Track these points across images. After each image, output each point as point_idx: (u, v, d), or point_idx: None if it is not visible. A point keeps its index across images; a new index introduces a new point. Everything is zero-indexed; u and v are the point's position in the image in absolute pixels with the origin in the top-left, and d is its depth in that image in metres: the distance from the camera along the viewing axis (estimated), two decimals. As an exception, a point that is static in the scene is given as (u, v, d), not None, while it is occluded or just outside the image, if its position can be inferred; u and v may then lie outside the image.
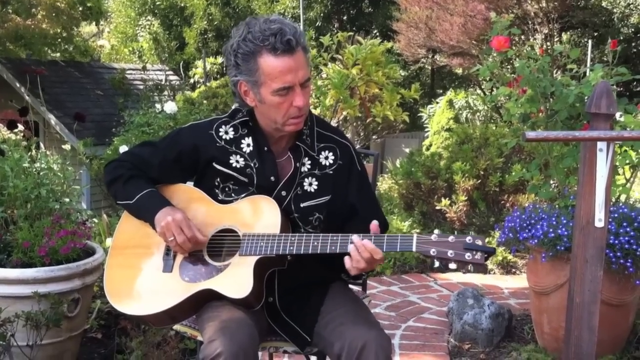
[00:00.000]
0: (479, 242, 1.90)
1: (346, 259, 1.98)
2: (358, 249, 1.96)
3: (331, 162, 2.23)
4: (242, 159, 2.21)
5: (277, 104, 2.07)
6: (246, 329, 1.97)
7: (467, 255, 1.89)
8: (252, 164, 2.20)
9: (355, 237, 1.97)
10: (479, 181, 5.70)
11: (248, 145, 2.21)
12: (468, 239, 1.90)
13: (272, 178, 2.18)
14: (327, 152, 2.23)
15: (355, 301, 2.24)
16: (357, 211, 2.22)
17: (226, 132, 2.23)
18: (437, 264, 1.94)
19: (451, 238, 1.91)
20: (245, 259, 2.08)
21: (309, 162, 2.21)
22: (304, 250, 2.04)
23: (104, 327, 3.49)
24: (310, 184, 2.20)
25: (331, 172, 2.22)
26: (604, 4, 11.80)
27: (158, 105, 6.49)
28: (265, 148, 2.20)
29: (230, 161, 2.21)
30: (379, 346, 1.96)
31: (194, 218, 2.16)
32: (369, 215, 2.19)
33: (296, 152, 2.20)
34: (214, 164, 2.21)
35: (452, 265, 1.92)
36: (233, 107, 2.29)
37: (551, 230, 3.13)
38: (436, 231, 1.95)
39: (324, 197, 2.20)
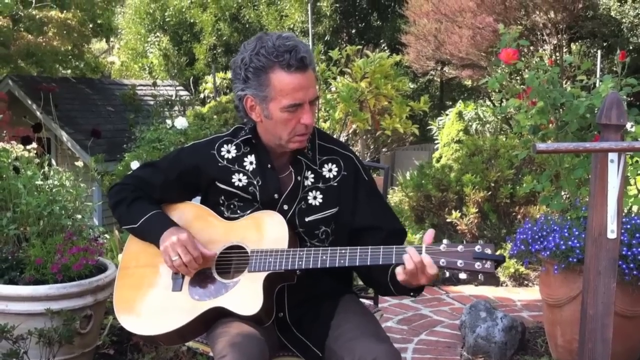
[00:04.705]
0: (488, 251, 1.87)
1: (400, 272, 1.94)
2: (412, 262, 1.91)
3: (335, 174, 2.22)
4: (245, 177, 2.21)
5: (285, 120, 2.07)
6: (256, 344, 1.97)
7: (477, 265, 1.86)
8: (255, 182, 2.20)
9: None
10: (490, 193, 5.67)
11: (251, 163, 2.22)
12: (477, 247, 1.87)
13: (276, 195, 2.18)
14: (330, 164, 2.23)
15: (365, 315, 2.23)
16: (370, 222, 2.20)
17: (228, 151, 2.24)
18: (447, 274, 1.91)
19: (460, 247, 1.89)
20: (254, 275, 2.07)
21: (312, 175, 2.20)
22: (312, 264, 2.02)
23: (117, 344, 3.48)
24: (315, 198, 2.19)
25: (335, 184, 2.21)
26: (612, 14, 11.79)
27: (169, 121, 6.52)
28: (269, 165, 2.20)
29: (233, 180, 2.21)
30: None
31: (201, 236, 2.17)
32: (384, 224, 2.19)
33: (297, 166, 2.20)
34: (217, 183, 2.22)
35: (462, 275, 1.89)
36: (235, 126, 2.30)
37: (563, 242, 3.12)
38: (445, 241, 1.92)
39: (330, 210, 2.19)
